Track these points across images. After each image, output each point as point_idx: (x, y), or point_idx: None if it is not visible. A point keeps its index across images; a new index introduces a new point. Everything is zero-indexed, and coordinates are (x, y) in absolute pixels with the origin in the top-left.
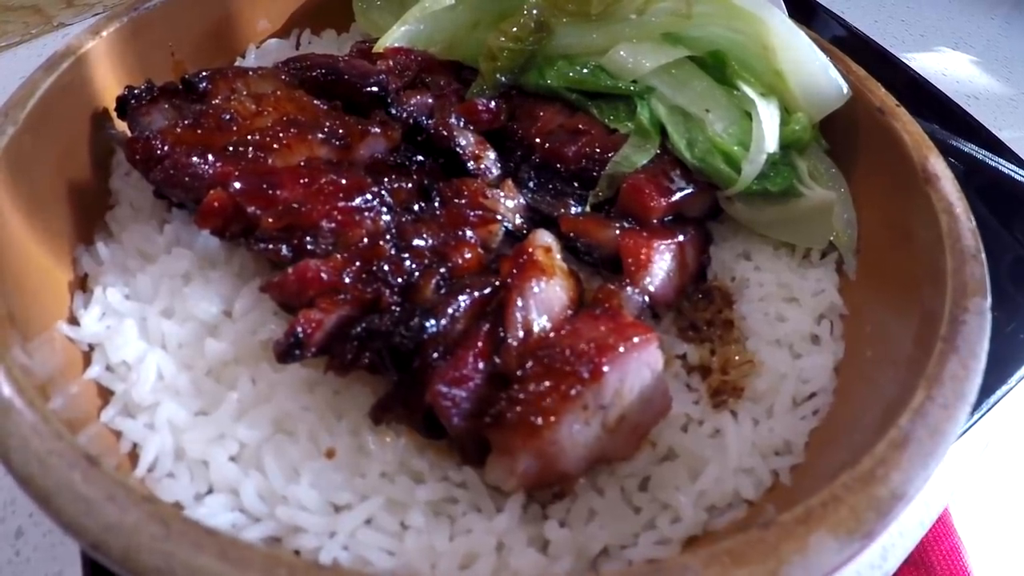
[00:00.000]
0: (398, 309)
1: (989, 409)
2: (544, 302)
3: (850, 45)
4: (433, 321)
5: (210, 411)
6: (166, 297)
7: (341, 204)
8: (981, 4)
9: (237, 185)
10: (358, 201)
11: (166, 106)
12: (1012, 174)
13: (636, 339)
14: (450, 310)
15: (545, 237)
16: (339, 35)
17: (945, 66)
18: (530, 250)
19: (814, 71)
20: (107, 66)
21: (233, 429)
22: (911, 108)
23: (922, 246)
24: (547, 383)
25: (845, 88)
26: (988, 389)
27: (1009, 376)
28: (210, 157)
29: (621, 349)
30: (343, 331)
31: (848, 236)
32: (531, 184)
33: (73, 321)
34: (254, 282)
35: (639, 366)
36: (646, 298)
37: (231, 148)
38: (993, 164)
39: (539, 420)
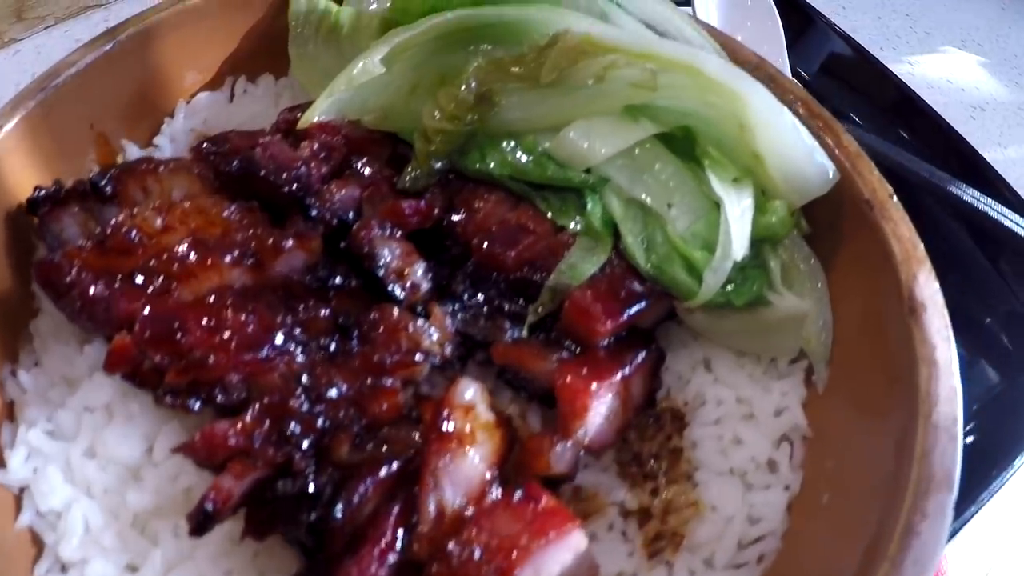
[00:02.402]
0: (312, 470)
1: (982, 505)
2: (460, 479)
3: (849, 61)
4: (338, 513)
5: (137, 565)
6: (88, 434)
7: (248, 356)
8: None
9: (141, 327)
10: (267, 348)
11: (76, 209)
12: (1013, 227)
13: (553, 534)
14: (356, 497)
15: (466, 393)
16: (277, 80)
17: (951, 72)
18: (446, 415)
19: (798, 155)
20: (18, 160)
21: None
22: (911, 137)
23: (896, 388)
24: None
25: (832, 173)
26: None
27: (1005, 468)
28: (116, 288)
29: (534, 548)
30: (258, 492)
31: (821, 343)
32: (465, 297)
33: (1, 459)
34: (173, 422)
35: (559, 554)
36: (580, 451)
37: (138, 275)
38: (995, 216)
39: None
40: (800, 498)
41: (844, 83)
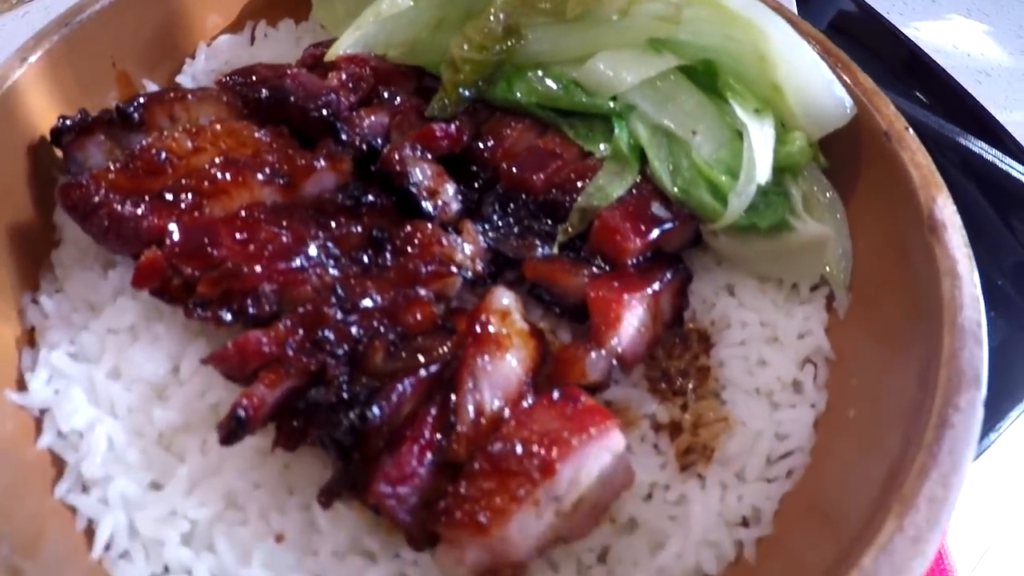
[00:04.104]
0: (345, 379)
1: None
2: (498, 380)
3: (856, 19)
4: (376, 411)
5: (162, 483)
6: (112, 355)
7: (282, 265)
8: None
9: (172, 241)
10: (300, 259)
11: (102, 138)
12: (1021, 177)
13: (593, 430)
14: (394, 396)
15: (502, 299)
16: (297, 25)
17: (956, 38)
18: (484, 319)
19: (816, 88)
20: (40, 93)
21: (184, 506)
22: (916, 91)
23: (919, 308)
24: (496, 482)
25: (849, 106)
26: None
27: (1007, 412)
28: (145, 206)
29: (575, 443)
30: (289, 403)
31: (842, 270)
32: (495, 218)
33: (21, 382)
34: (199, 341)
35: (598, 452)
36: (614, 360)
37: (167, 194)
38: (1004, 168)
39: (486, 519)
40: (827, 416)
41: (852, 40)
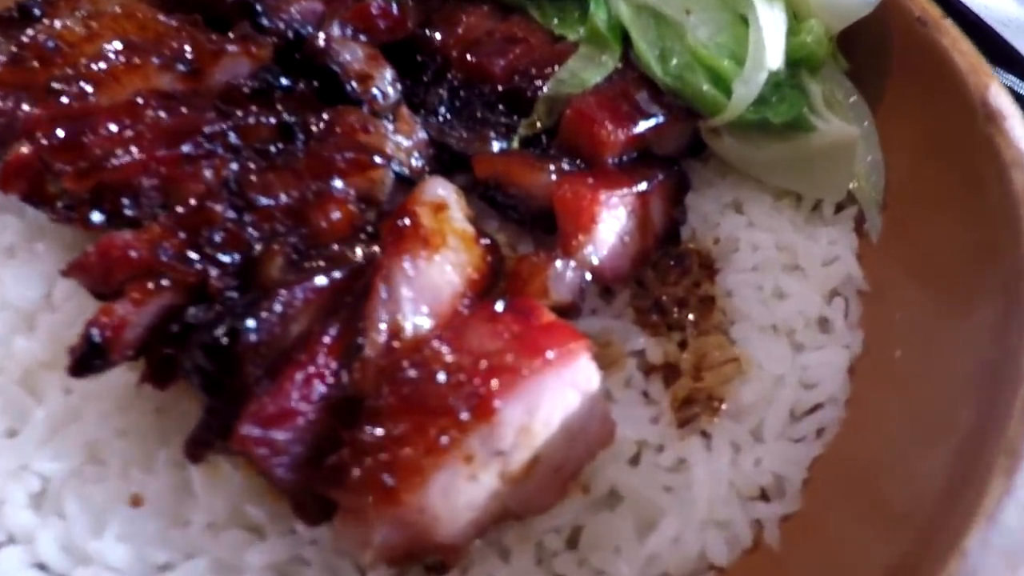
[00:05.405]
0: (234, 295)
1: None
2: (423, 291)
3: None
4: (252, 324)
5: (17, 429)
6: None
7: (163, 152)
8: None
9: (44, 134)
10: (189, 147)
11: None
12: None
13: (552, 354)
14: (278, 307)
15: (436, 189)
16: None
17: None
18: (412, 210)
19: None
20: None
21: (37, 458)
22: None
23: (981, 211)
24: (408, 425)
25: None
26: None
27: None
28: (25, 100)
29: (525, 372)
30: (165, 326)
31: (872, 185)
32: (442, 109)
33: None
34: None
35: (560, 389)
36: (587, 274)
37: (54, 86)
38: None
39: (394, 480)
40: (864, 359)
41: None
